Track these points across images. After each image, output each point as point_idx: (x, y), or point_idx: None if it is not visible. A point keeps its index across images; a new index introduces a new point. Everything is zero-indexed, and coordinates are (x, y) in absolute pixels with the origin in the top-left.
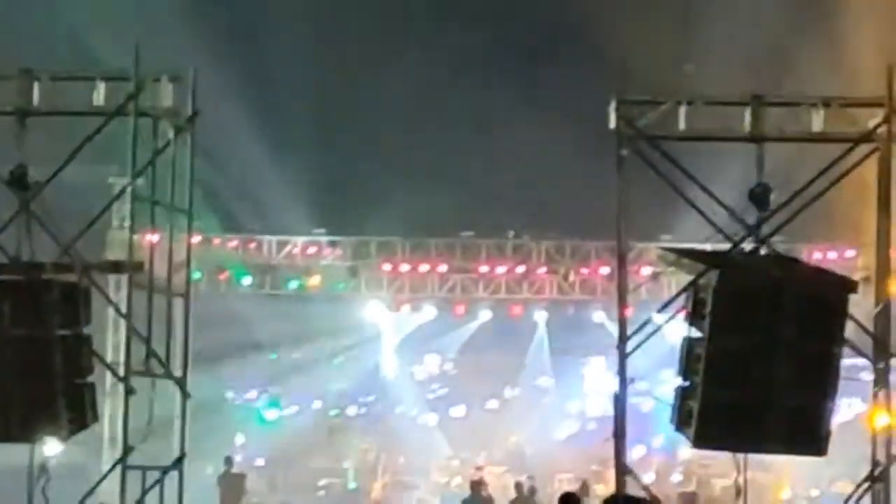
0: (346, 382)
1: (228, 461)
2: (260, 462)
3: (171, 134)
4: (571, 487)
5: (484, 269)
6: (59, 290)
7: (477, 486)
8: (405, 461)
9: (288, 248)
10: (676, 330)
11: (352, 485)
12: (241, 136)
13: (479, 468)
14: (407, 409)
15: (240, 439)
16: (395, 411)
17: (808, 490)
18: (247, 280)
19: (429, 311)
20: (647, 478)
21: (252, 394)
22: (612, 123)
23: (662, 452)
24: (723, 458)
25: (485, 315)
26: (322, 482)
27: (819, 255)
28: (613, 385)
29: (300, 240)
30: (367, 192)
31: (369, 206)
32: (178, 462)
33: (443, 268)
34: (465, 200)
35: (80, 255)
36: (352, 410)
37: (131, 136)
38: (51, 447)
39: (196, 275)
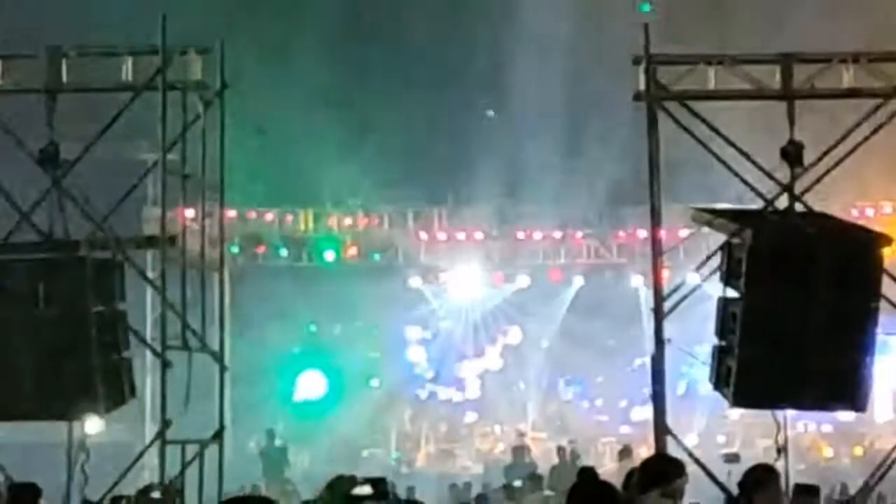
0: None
1: (270, 434)
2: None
3: (200, 107)
4: (614, 452)
5: (521, 235)
6: (93, 267)
7: (519, 451)
8: (447, 429)
9: (324, 219)
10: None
11: (394, 454)
12: (275, 107)
13: (521, 434)
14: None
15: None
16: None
17: (851, 448)
18: (284, 253)
19: (466, 279)
20: (691, 440)
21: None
22: (642, 84)
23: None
24: (767, 418)
25: (523, 281)
26: (365, 453)
27: (855, 212)
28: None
29: (336, 211)
30: (404, 161)
31: (405, 174)
32: (218, 435)
33: (479, 235)
34: (498, 168)
35: (113, 230)
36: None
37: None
38: (92, 425)
39: (233, 249)
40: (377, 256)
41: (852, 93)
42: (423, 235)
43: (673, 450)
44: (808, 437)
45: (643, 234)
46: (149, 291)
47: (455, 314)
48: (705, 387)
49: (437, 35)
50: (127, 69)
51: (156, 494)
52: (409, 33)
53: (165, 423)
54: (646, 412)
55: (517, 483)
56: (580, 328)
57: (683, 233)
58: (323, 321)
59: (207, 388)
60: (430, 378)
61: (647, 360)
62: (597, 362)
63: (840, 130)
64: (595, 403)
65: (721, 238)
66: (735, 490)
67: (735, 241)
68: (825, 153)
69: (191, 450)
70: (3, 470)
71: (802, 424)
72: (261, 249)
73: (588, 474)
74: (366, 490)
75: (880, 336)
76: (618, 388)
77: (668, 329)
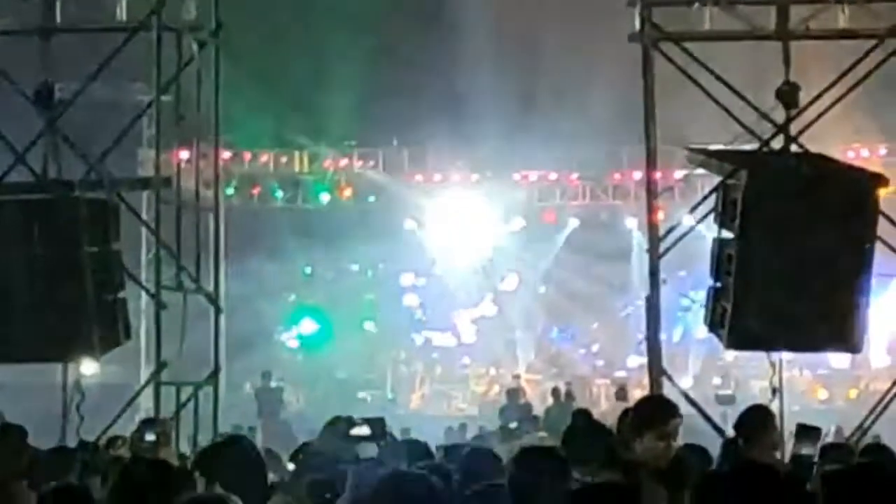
0: (378, 293)
1: (266, 375)
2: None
3: (195, 48)
4: (609, 393)
5: (516, 176)
6: (88, 208)
7: (514, 393)
8: (442, 371)
9: (319, 161)
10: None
11: (390, 395)
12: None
13: (516, 376)
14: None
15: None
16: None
17: (847, 391)
18: (279, 194)
19: (461, 221)
20: (686, 381)
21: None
22: (637, 25)
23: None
24: (762, 360)
25: (518, 222)
26: (360, 394)
27: (851, 154)
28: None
29: (331, 152)
30: (396, 102)
31: (399, 116)
32: (213, 376)
33: (475, 176)
34: (493, 109)
35: (107, 172)
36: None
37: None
38: (87, 366)
39: (229, 191)
40: (372, 198)
41: (847, 34)
42: (419, 177)
43: (668, 391)
44: (804, 380)
45: (638, 175)
46: (143, 232)
47: (450, 257)
48: (701, 331)
49: None
50: (121, 10)
51: (151, 436)
52: None
53: (160, 365)
54: (641, 358)
55: (512, 425)
56: (575, 272)
57: (679, 174)
58: (318, 263)
59: (203, 330)
60: (425, 323)
61: (632, 310)
62: (592, 307)
63: (836, 71)
64: (591, 349)
65: (716, 179)
66: (730, 431)
67: (730, 181)
68: (820, 94)
69: (186, 391)
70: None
71: (798, 370)
72: (256, 191)
73: (582, 416)
74: (364, 430)
75: (876, 278)
76: (613, 333)
77: (664, 272)
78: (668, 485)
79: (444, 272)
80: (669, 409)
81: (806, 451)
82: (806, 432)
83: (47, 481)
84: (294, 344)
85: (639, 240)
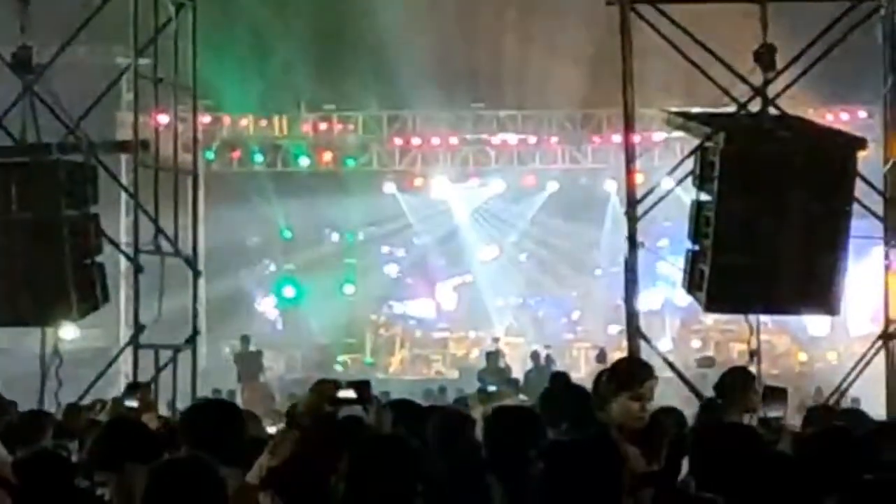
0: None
1: (245, 339)
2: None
3: (172, 10)
4: (589, 357)
5: (496, 140)
6: (66, 171)
7: (493, 356)
8: (421, 335)
9: (298, 124)
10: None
11: (369, 360)
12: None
13: (495, 339)
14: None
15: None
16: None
17: (825, 353)
18: (259, 158)
19: (440, 184)
20: (665, 344)
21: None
22: None
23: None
24: (741, 323)
25: (497, 185)
26: (340, 358)
27: (830, 117)
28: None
29: (311, 116)
30: (377, 66)
31: (379, 80)
32: (191, 340)
33: (454, 140)
34: (473, 73)
35: (86, 135)
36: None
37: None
38: (67, 331)
39: (209, 155)
40: (351, 162)
41: None
42: (398, 140)
43: (647, 355)
44: (783, 343)
45: (617, 138)
46: (122, 196)
47: (430, 222)
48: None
49: None
50: None
51: (132, 402)
52: None
53: (139, 328)
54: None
55: (491, 388)
56: (555, 236)
57: (657, 137)
58: (298, 227)
59: (181, 294)
60: (404, 292)
61: (600, 273)
62: (570, 273)
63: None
64: (571, 317)
65: (694, 142)
66: (710, 394)
67: (708, 144)
68: (797, 56)
69: (164, 355)
70: None
71: (778, 336)
72: (236, 155)
73: (560, 379)
74: (349, 393)
75: (854, 241)
76: (593, 300)
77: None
78: (642, 445)
79: (425, 241)
80: (645, 370)
81: (773, 413)
82: (773, 394)
83: (21, 444)
84: (273, 312)
85: (614, 202)
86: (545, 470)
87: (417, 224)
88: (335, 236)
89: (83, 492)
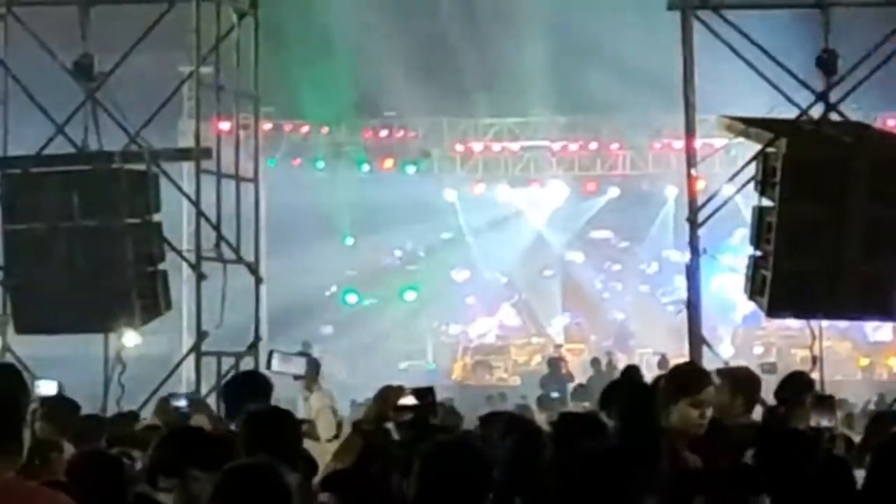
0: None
1: (306, 345)
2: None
3: (234, 18)
4: (651, 363)
5: (556, 146)
6: (128, 179)
7: (555, 363)
8: (485, 341)
9: (359, 131)
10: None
11: (431, 366)
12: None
13: (557, 346)
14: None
15: (327, 329)
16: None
17: (887, 358)
18: (320, 165)
19: (503, 191)
20: (727, 350)
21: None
22: None
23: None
24: (804, 329)
25: (561, 192)
26: (403, 365)
27: (892, 122)
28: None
29: (372, 122)
30: (438, 73)
31: (440, 87)
32: (253, 347)
33: (515, 146)
34: (532, 81)
35: (147, 143)
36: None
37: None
38: (129, 337)
39: (271, 162)
40: (412, 168)
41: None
42: (459, 147)
43: (709, 361)
44: (844, 349)
45: (678, 144)
46: (184, 204)
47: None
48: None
49: None
50: None
51: (181, 403)
52: None
53: (201, 335)
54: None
55: (553, 394)
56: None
57: (718, 143)
58: (359, 234)
59: (245, 302)
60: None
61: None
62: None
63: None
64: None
65: (754, 149)
66: (771, 400)
67: (770, 150)
68: (860, 61)
69: (227, 362)
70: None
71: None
72: (297, 162)
73: (629, 372)
74: (413, 400)
75: None
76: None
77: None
78: (702, 453)
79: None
80: (703, 377)
81: (825, 422)
82: (821, 403)
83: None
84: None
85: (668, 209)
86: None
87: (475, 227)
88: (396, 243)
89: (141, 496)
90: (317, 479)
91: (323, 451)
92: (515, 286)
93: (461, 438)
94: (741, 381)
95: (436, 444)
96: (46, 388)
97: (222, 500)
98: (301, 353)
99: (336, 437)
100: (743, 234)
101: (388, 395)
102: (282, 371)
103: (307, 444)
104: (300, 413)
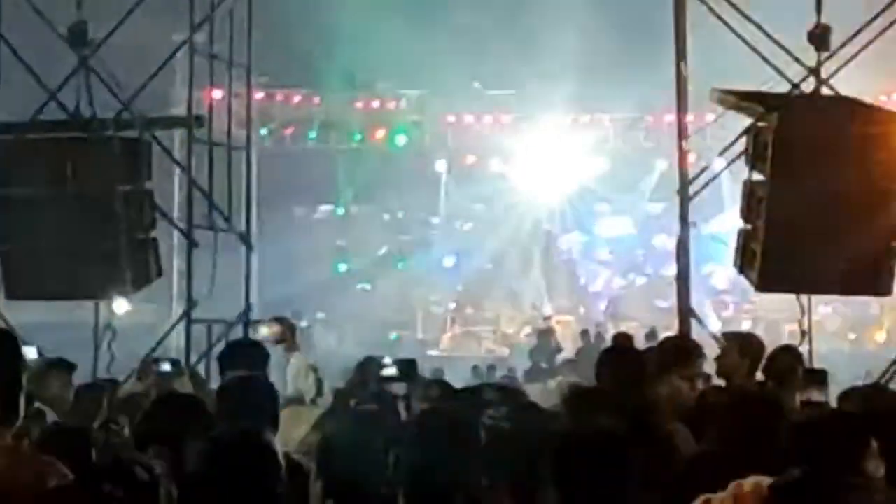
0: (411, 234)
1: (296, 314)
2: (321, 315)
3: None
4: (639, 336)
5: (548, 118)
6: (121, 146)
7: (544, 335)
8: (473, 312)
9: (352, 102)
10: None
11: (420, 336)
12: None
13: (547, 318)
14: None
15: (317, 298)
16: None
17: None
18: (312, 135)
19: (495, 163)
20: (715, 324)
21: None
22: None
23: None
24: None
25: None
26: (392, 335)
27: (884, 98)
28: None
29: (364, 94)
30: (430, 45)
31: (432, 59)
32: (244, 315)
33: (506, 118)
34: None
35: (140, 110)
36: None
37: None
38: (119, 305)
39: (262, 131)
40: (404, 140)
41: None
42: (451, 118)
43: (697, 334)
44: (834, 322)
45: (670, 118)
46: (176, 172)
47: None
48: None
49: None
50: None
51: (165, 367)
52: None
53: (191, 303)
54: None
55: (542, 366)
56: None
57: (709, 117)
58: (351, 204)
59: (236, 272)
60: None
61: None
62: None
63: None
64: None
65: (745, 122)
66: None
67: (761, 124)
68: (852, 36)
69: (218, 330)
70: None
71: (831, 309)
72: (289, 131)
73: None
74: (394, 371)
75: None
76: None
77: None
78: (692, 424)
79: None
80: (695, 350)
81: (816, 397)
82: (812, 377)
83: (78, 417)
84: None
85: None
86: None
87: (467, 202)
88: (386, 215)
89: (129, 462)
90: (296, 449)
91: (310, 415)
92: (503, 268)
93: (448, 407)
94: (748, 345)
95: (424, 413)
96: (27, 353)
97: (209, 467)
98: (277, 319)
99: (319, 395)
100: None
101: (369, 365)
102: (262, 338)
103: (296, 408)
104: (289, 376)
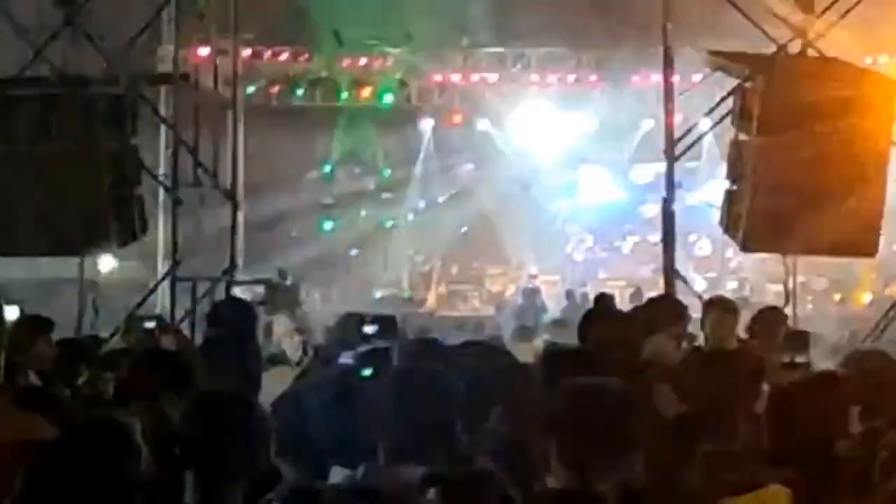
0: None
1: (282, 273)
2: (306, 273)
3: None
4: (625, 295)
5: (534, 77)
6: (106, 103)
7: (530, 294)
8: (459, 271)
9: (339, 60)
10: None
11: (407, 293)
12: None
13: (532, 276)
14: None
15: (302, 256)
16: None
17: (859, 295)
18: (298, 93)
19: (481, 122)
20: (700, 284)
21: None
22: None
23: None
24: (778, 263)
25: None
26: (378, 293)
27: (869, 60)
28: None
29: (351, 52)
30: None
31: (419, 17)
32: (228, 272)
33: (493, 77)
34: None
35: (126, 67)
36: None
37: None
38: (104, 262)
39: (249, 89)
40: (390, 98)
41: None
42: (437, 77)
43: (682, 294)
44: (819, 284)
45: (656, 77)
46: (162, 129)
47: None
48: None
49: None
50: None
51: (150, 325)
52: None
53: (176, 261)
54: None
55: (528, 325)
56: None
57: (696, 77)
58: (337, 162)
59: (221, 233)
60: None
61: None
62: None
63: None
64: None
65: (731, 83)
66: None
67: (748, 85)
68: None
69: (202, 287)
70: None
71: (816, 276)
72: (275, 90)
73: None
74: (375, 328)
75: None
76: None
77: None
78: (675, 384)
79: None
80: (678, 310)
81: (799, 357)
82: (796, 338)
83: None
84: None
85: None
86: None
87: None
88: (372, 174)
89: (110, 419)
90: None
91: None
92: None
93: (427, 365)
94: (732, 306)
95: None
96: (9, 313)
97: (192, 426)
98: (259, 280)
99: (305, 355)
100: None
101: (348, 322)
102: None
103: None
104: (273, 338)
